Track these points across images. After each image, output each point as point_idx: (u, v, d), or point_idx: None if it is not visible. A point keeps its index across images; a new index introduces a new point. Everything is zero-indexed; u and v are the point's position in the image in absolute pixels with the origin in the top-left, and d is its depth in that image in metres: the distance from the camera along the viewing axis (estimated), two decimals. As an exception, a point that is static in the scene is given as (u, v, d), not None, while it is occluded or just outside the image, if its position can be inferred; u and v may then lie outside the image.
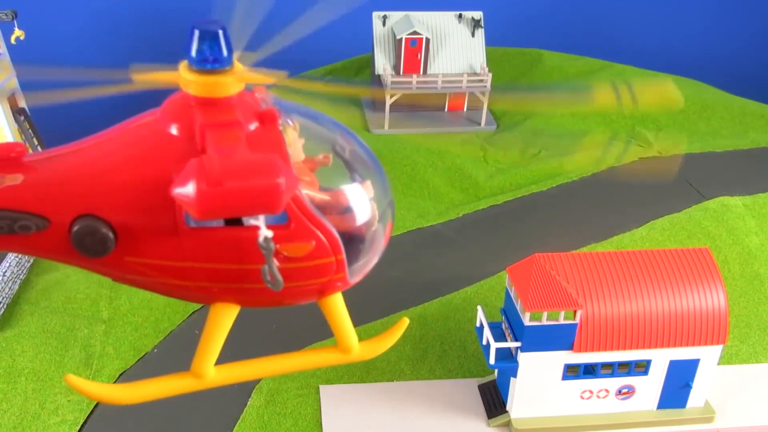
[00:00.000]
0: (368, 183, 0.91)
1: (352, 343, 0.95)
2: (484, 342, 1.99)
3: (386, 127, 3.39)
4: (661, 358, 1.95)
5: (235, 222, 0.84)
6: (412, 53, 3.32)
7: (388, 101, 3.36)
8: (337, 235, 0.87)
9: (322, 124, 0.96)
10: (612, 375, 1.97)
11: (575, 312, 1.87)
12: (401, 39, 3.29)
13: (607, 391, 2.01)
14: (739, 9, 4.34)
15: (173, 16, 3.81)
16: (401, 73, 3.36)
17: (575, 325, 1.87)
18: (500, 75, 3.60)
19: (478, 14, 3.46)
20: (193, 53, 0.78)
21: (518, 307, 1.89)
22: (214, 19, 0.79)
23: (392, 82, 3.34)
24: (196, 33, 0.78)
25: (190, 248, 0.81)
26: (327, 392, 2.09)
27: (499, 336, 1.97)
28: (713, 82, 3.93)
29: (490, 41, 3.48)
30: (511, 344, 1.92)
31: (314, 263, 0.86)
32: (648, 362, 1.96)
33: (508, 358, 1.96)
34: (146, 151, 0.81)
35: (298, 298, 0.91)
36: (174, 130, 0.81)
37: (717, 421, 2.06)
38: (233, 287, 0.86)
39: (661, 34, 4.33)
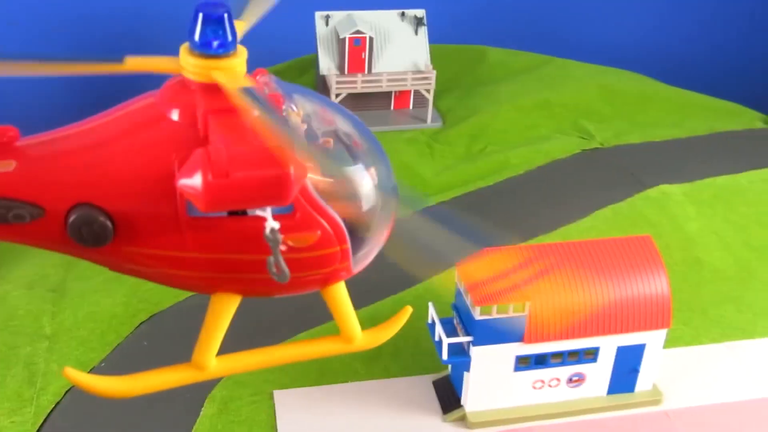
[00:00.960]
0: (372, 170, 0.88)
1: (356, 332, 0.94)
2: (437, 338, 2.00)
3: (333, 127, 3.39)
4: (608, 345, 2.00)
5: (239, 212, 0.81)
6: (356, 52, 3.33)
7: (334, 101, 3.36)
8: (342, 225, 0.85)
9: (325, 107, 0.93)
10: (562, 364, 2.01)
11: (524, 304, 1.90)
12: (345, 39, 3.30)
13: (558, 379, 2.04)
14: (676, 3, 4.46)
15: (110, 17, 3.74)
16: (346, 72, 3.36)
17: (525, 317, 1.90)
18: (444, 72, 3.63)
19: (420, 12, 3.48)
20: (197, 37, 0.75)
21: (468, 302, 1.92)
22: (218, 2, 0.76)
23: (337, 82, 3.34)
24: (201, 16, 0.75)
25: (192, 238, 0.79)
26: (281, 397, 2.08)
27: (451, 331, 1.99)
28: (652, 74, 4.03)
29: (433, 39, 3.51)
30: (463, 339, 1.94)
31: (319, 253, 0.84)
32: (596, 349, 2.00)
33: (460, 353, 1.98)
34: (146, 138, 0.78)
35: (302, 287, 0.90)
36: (174, 116, 0.77)
37: (664, 403, 2.11)
38: (236, 278, 0.83)
39: (603, 28, 4.43)
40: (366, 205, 0.87)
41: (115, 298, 2.41)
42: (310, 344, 0.95)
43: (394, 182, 0.93)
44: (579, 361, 2.02)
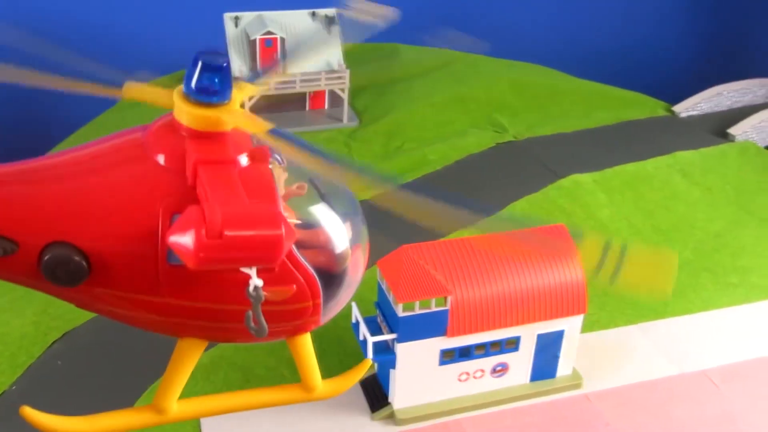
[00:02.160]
0: (348, 223, 0.89)
1: (317, 382, 0.95)
2: (361, 337, 2.00)
3: (248, 130, 3.34)
4: (529, 333, 2.05)
5: None
6: (268, 54, 3.29)
7: (248, 103, 3.31)
8: (316, 279, 0.85)
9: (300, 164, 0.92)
10: (486, 355, 2.04)
11: (446, 298, 1.92)
12: (255, 40, 3.25)
13: (482, 371, 2.08)
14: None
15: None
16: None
17: (447, 311, 1.92)
18: (358, 71, 3.63)
19: (331, 11, 3.46)
20: (194, 84, 0.75)
21: (391, 299, 1.92)
22: (217, 50, 0.76)
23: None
24: (200, 63, 0.74)
25: (169, 285, 0.78)
26: (209, 423, 2.03)
27: (375, 330, 1.99)
28: (559, 67, 4.14)
29: (346, 37, 3.51)
30: (387, 337, 1.95)
31: (292, 307, 0.85)
32: (518, 338, 2.04)
33: (385, 350, 1.98)
34: (130, 179, 0.76)
35: (272, 337, 0.89)
36: (161, 160, 0.76)
37: (585, 386, 2.18)
38: (209, 326, 0.83)
39: (511, 22, 4.52)
40: (340, 258, 0.88)
41: (24, 317, 2.31)
42: (271, 392, 0.95)
43: (366, 237, 0.94)
44: (501, 351, 2.06)
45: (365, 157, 3.29)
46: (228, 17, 3.34)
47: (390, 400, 2.06)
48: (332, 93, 3.53)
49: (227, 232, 0.68)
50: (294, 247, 0.82)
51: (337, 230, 0.89)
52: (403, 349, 1.96)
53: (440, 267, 1.95)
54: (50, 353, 2.22)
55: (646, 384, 2.22)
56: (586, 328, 2.16)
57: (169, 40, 3.85)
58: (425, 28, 4.31)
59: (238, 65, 3.33)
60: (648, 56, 4.82)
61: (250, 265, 0.74)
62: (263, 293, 0.77)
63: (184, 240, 0.69)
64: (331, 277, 0.89)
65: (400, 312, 1.89)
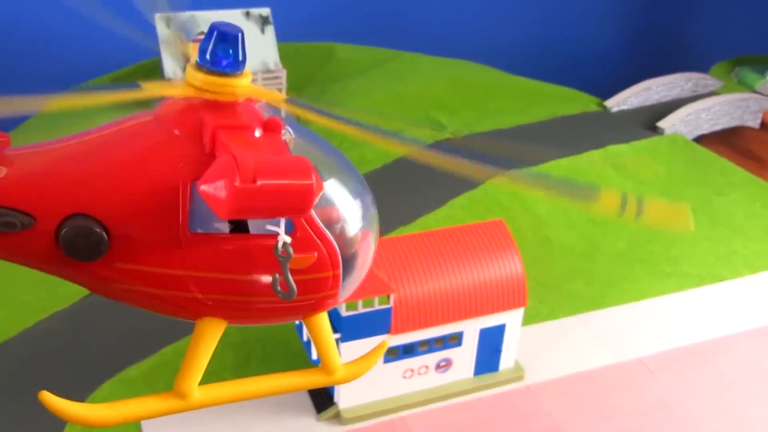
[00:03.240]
0: (359, 201, 0.89)
1: (337, 364, 0.93)
2: (305, 338, 1.99)
3: (184, 132, 3.29)
4: (471, 328, 2.07)
5: (241, 228, 0.80)
6: (202, 54, 3.23)
7: (183, 105, 3.25)
8: (337, 248, 0.84)
9: (309, 143, 0.93)
10: (429, 351, 2.06)
11: (389, 296, 1.92)
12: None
13: (426, 367, 2.09)
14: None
15: None
16: (193, 75, 3.26)
17: (390, 309, 1.93)
18: (295, 71, 3.60)
19: (266, 11, 3.43)
20: (210, 54, 0.75)
21: (334, 299, 1.91)
22: (231, 23, 0.77)
23: (185, 86, 3.23)
24: (216, 33, 0.75)
25: (191, 255, 0.76)
26: (150, 425, 1.99)
27: (318, 330, 1.98)
28: (495, 64, 4.20)
29: (281, 37, 3.48)
30: (331, 336, 1.94)
31: (314, 276, 0.82)
32: (460, 334, 2.06)
33: (329, 350, 1.97)
34: (147, 150, 0.76)
35: (291, 314, 0.87)
36: (176, 131, 0.76)
37: (527, 378, 2.21)
38: (231, 300, 0.80)
39: (447, 21, 4.56)
40: (355, 232, 0.87)
41: (-47, 331, 2.22)
42: (291, 376, 0.92)
43: (377, 221, 0.94)
44: (445, 347, 2.07)
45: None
46: (159, 17, 3.27)
47: (335, 400, 2.06)
48: (269, 93, 3.49)
49: (260, 180, 0.68)
50: (314, 214, 0.82)
51: (349, 209, 0.88)
52: (347, 349, 1.95)
53: (383, 265, 1.95)
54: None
55: (585, 373, 2.27)
56: (527, 320, 2.20)
57: (101, 41, 3.75)
58: (359, 27, 4.33)
59: (171, 66, 3.26)
60: (580, 53, 4.93)
61: (280, 215, 0.73)
62: (291, 250, 0.76)
63: (216, 187, 0.68)
64: (346, 252, 0.88)
65: (344, 311, 1.89)
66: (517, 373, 2.20)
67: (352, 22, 4.30)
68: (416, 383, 2.10)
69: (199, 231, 0.76)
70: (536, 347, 2.32)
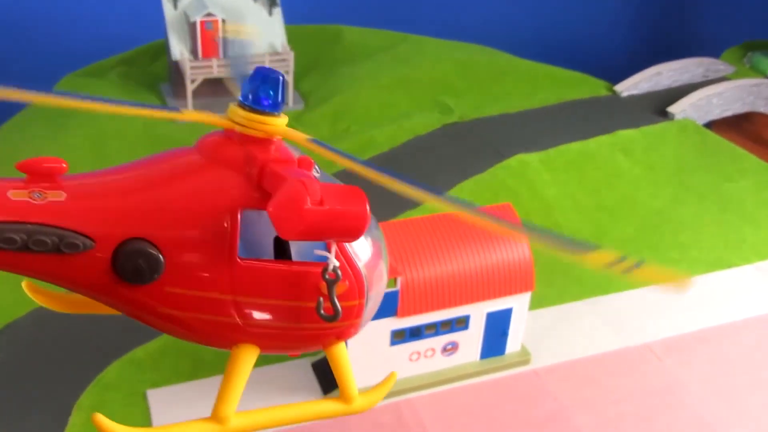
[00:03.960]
0: (375, 236, 0.95)
1: (355, 392, 0.97)
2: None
3: (191, 114, 3.28)
4: (478, 312, 2.07)
5: (284, 256, 0.86)
6: (209, 36, 3.22)
7: (190, 87, 3.25)
8: (364, 278, 0.89)
9: (330, 181, 0.96)
10: (436, 334, 2.06)
11: (396, 279, 1.92)
12: (196, 22, 3.18)
13: (433, 350, 2.09)
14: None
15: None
16: (200, 57, 3.25)
17: (397, 292, 1.93)
18: (302, 53, 3.59)
19: (273, -7, 3.41)
20: (254, 94, 0.81)
21: (340, 282, 1.91)
22: (273, 69, 0.83)
23: (191, 67, 3.22)
24: (262, 76, 0.82)
25: (237, 280, 0.81)
26: (155, 396, 2.01)
27: (325, 312, 1.98)
28: (502, 48, 4.17)
29: (288, 19, 3.46)
30: (338, 319, 1.94)
31: (343, 304, 0.87)
32: (467, 317, 2.06)
33: (336, 332, 1.98)
34: (198, 181, 0.80)
35: (318, 341, 0.92)
36: (223, 165, 0.81)
37: (533, 362, 2.21)
38: (267, 325, 0.85)
39: (455, 4, 4.53)
40: (373, 264, 0.92)
41: (-38, 310, 2.23)
42: (314, 405, 0.99)
43: (386, 249, 1.00)
44: (452, 330, 2.07)
45: (312, 140, 3.27)
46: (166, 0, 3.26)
47: (342, 382, 2.06)
48: (277, 76, 3.48)
49: (327, 204, 0.73)
50: (346, 244, 0.87)
51: (369, 244, 0.94)
52: (353, 331, 1.95)
53: (389, 248, 1.94)
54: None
55: (592, 358, 2.27)
56: (534, 305, 2.19)
57: (109, 23, 3.75)
58: (367, 10, 4.30)
59: (178, 48, 3.26)
60: (590, 37, 4.89)
61: (337, 237, 0.78)
62: (341, 273, 0.82)
63: (287, 210, 0.72)
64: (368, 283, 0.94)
65: (350, 294, 1.89)
66: (524, 357, 2.20)
67: (360, 5, 4.27)
68: (423, 366, 2.10)
69: (246, 257, 0.81)
70: (543, 331, 2.32)
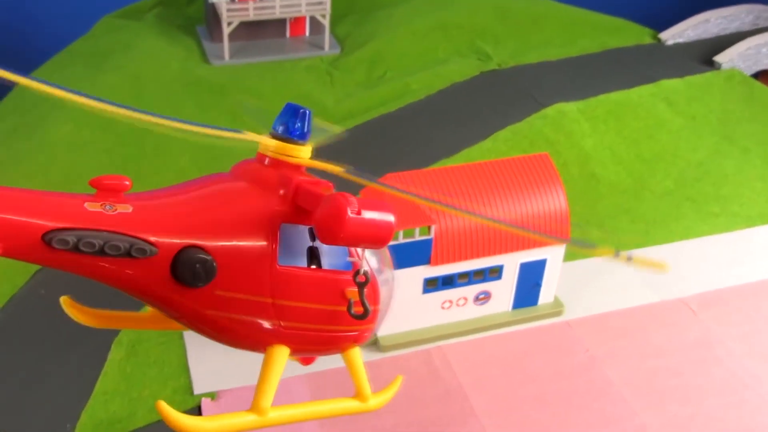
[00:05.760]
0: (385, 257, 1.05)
1: (369, 392, 1.08)
2: (345, 266, 2.00)
3: (226, 57, 3.26)
4: (512, 262, 2.06)
5: (317, 265, 0.97)
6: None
7: (226, 30, 3.22)
8: (378, 285, 0.99)
9: None
10: (468, 283, 2.06)
11: (430, 227, 1.91)
12: (232, -37, 3.14)
13: (465, 299, 2.09)
14: None
15: None
16: (236, 0, 3.22)
17: (430, 240, 1.92)
18: (339, -4, 3.53)
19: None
20: (286, 125, 0.95)
21: (374, 229, 1.91)
22: (300, 105, 0.96)
23: (228, 10, 3.19)
24: (292, 110, 0.96)
25: (278, 285, 0.94)
26: (191, 336, 2.04)
27: (358, 259, 1.99)
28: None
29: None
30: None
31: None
32: (500, 267, 2.05)
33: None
34: (244, 200, 0.94)
35: (338, 345, 1.03)
36: (261, 185, 0.95)
37: (566, 313, 2.21)
38: (300, 327, 0.98)
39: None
40: (387, 273, 1.03)
41: (4, 248, 2.28)
42: (334, 403, 1.09)
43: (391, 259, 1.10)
44: (484, 280, 2.07)
45: (348, 86, 3.24)
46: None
47: (374, 328, 2.08)
48: (313, 19, 3.44)
49: (365, 212, 0.85)
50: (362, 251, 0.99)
51: (370, 256, 1.03)
52: (386, 279, 1.96)
53: (424, 196, 1.93)
54: (33, 283, 2.20)
55: (625, 311, 2.26)
56: (569, 257, 2.18)
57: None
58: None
59: (215, -10, 3.22)
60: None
61: (370, 244, 0.90)
62: (371, 276, 0.95)
63: (332, 216, 0.85)
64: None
65: (384, 241, 1.89)
66: (557, 309, 2.19)
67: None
68: (454, 314, 2.11)
69: (284, 265, 0.94)
70: (577, 284, 2.31)
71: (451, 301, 2.08)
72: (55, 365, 1.98)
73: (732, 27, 3.72)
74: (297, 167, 0.97)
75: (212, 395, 1.93)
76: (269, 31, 3.43)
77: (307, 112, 0.97)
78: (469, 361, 2.06)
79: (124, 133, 2.74)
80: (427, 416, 1.91)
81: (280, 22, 3.43)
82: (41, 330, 2.09)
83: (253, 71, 3.21)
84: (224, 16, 3.19)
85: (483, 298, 2.11)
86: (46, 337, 2.07)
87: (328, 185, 0.97)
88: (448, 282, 2.03)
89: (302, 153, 0.97)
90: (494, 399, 1.96)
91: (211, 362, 1.98)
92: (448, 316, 2.10)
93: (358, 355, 1.05)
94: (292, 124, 0.96)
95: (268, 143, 0.97)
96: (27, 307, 2.15)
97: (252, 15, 3.25)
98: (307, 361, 1.13)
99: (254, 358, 2.03)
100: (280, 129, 0.96)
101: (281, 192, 0.95)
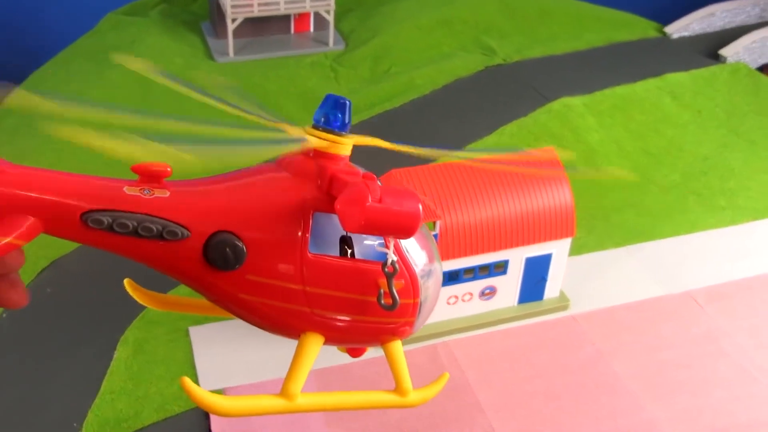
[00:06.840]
0: (431, 243, 1.05)
1: (409, 387, 1.07)
2: (350, 262, 2.00)
3: (231, 53, 3.26)
4: (517, 257, 2.05)
5: (348, 254, 0.98)
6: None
7: (231, 26, 3.22)
8: (418, 279, 0.99)
9: None
10: (474, 278, 2.05)
11: (435, 222, 1.91)
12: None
13: (471, 294, 2.09)
14: None
15: None
16: (241, -4, 3.22)
17: (435, 235, 1.92)
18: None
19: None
20: (326, 117, 0.96)
21: (380, 224, 1.91)
22: (340, 96, 0.97)
23: (232, 6, 3.19)
24: (333, 101, 0.96)
25: (308, 272, 0.95)
26: (197, 333, 2.05)
27: (364, 254, 1.99)
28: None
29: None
30: (377, 261, 1.95)
31: (400, 301, 0.97)
32: (506, 262, 2.05)
33: (374, 274, 1.99)
34: (279, 188, 0.96)
35: (377, 337, 1.03)
36: (300, 175, 0.97)
37: (572, 308, 2.20)
38: (332, 315, 0.98)
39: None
40: (432, 273, 1.03)
41: (11, 246, 2.29)
42: (372, 395, 1.09)
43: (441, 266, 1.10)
44: (490, 275, 2.07)
45: (352, 82, 3.24)
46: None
47: (380, 323, 2.08)
48: (317, 15, 3.44)
49: (385, 202, 0.85)
50: (402, 245, 0.99)
51: (424, 250, 1.03)
52: (392, 274, 1.96)
53: (429, 191, 1.93)
54: (39, 281, 2.21)
55: (632, 305, 2.25)
56: (575, 251, 2.17)
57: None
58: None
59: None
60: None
61: (393, 232, 0.89)
62: (399, 266, 0.94)
63: (353, 204, 0.85)
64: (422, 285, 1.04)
65: (389, 237, 1.89)
66: (562, 303, 2.19)
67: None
68: (460, 310, 2.11)
69: (316, 253, 0.95)
70: (583, 278, 2.30)
71: (456, 297, 2.08)
72: (62, 364, 1.99)
73: (737, 20, 3.70)
74: (337, 157, 0.98)
75: (219, 393, 1.93)
76: (273, 27, 3.43)
77: (347, 102, 0.98)
78: (475, 356, 2.06)
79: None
80: (434, 411, 1.91)
81: (285, 19, 3.43)
82: (48, 329, 2.10)
83: (257, 67, 3.22)
84: (228, 12, 3.19)
85: (489, 293, 2.11)
86: (52, 335, 2.08)
87: (370, 176, 0.96)
88: (453, 277, 2.03)
89: (343, 143, 0.98)
90: (501, 394, 1.96)
91: (217, 360, 1.98)
92: (454, 312, 2.11)
93: (399, 348, 1.05)
94: (333, 115, 0.97)
95: (312, 133, 0.98)
96: (34, 306, 2.15)
97: (256, 11, 3.25)
98: (355, 353, 1.12)
99: (260, 356, 2.05)
100: (321, 120, 0.97)
101: (318, 182, 0.96)
